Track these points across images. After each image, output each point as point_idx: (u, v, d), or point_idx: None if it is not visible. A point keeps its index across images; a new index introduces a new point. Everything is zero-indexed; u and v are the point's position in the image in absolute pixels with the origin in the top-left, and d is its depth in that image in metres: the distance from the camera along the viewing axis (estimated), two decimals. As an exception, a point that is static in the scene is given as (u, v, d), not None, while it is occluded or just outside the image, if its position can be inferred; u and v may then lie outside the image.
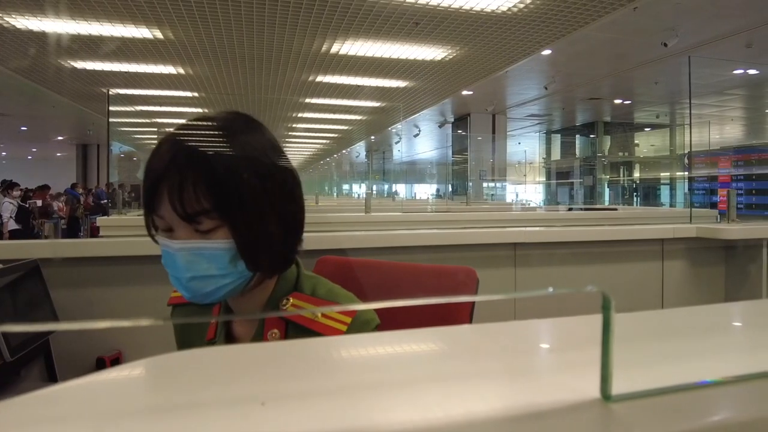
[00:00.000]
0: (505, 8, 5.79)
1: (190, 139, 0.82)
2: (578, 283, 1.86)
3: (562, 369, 0.44)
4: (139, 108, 11.30)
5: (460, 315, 1.30)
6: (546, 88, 9.29)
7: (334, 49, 7.30)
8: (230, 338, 0.91)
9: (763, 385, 0.39)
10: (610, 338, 0.38)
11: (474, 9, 5.80)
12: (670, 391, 0.37)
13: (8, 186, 10.21)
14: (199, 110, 12.09)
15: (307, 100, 11.02)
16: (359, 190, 20.31)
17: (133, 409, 0.35)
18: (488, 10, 5.82)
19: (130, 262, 1.81)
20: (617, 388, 0.36)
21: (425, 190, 19.55)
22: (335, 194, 18.52)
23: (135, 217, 3.68)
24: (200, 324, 0.94)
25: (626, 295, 2.54)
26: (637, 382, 0.38)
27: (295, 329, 0.83)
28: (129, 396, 0.38)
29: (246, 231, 0.79)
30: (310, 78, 8.99)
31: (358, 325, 0.83)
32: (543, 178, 16.27)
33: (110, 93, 5.80)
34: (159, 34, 6.77)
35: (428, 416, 0.33)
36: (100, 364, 1.80)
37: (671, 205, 11.46)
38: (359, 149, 19.29)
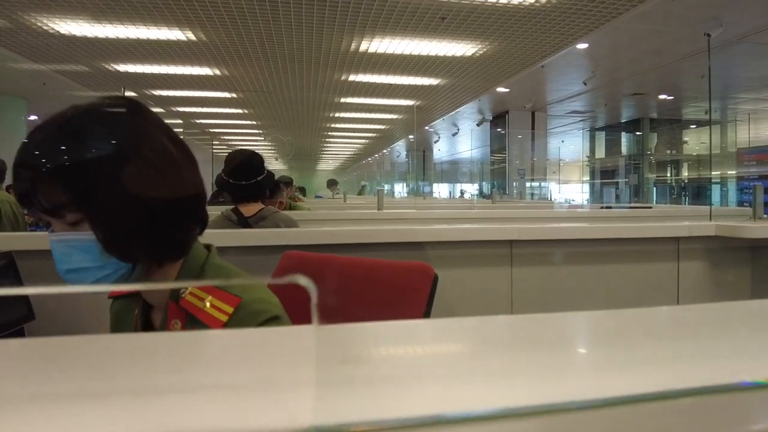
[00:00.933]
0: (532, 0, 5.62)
1: (48, 133, 0.78)
2: (581, 284, 1.77)
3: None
4: (177, 109, 11.63)
5: (413, 314, 1.24)
6: (585, 84, 8.98)
7: (364, 47, 7.28)
8: (150, 328, 0.91)
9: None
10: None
11: (500, 1, 5.65)
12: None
13: None
14: (237, 111, 12.34)
15: (343, 100, 11.06)
16: (401, 189, 20.30)
17: None
18: (515, 2, 5.65)
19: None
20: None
21: (465, 190, 19.33)
22: (374, 194, 18.56)
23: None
24: (130, 316, 0.94)
25: (638, 297, 2.39)
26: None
27: (192, 320, 0.82)
28: None
29: (106, 222, 0.77)
30: (343, 77, 9.01)
31: (243, 316, 0.80)
32: (587, 177, 15.79)
33: (130, 94, 5.94)
34: (192, 36, 6.93)
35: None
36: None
37: (722, 205, 10.90)
38: (400, 149, 19.26)
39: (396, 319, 1.18)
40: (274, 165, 21.01)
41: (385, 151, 20.40)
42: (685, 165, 13.47)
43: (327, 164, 28.71)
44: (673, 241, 2.44)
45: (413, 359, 0.41)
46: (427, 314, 1.22)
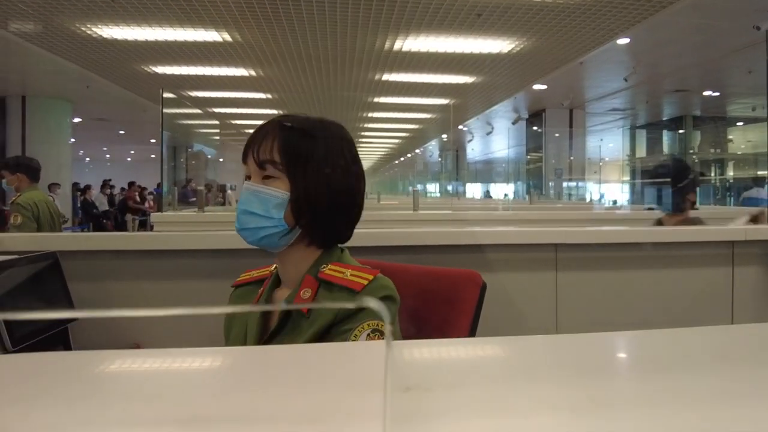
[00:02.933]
0: (572, -5, 5.48)
1: (283, 118, 1.04)
2: (628, 290, 1.68)
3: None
4: (214, 110, 11.81)
5: (459, 323, 1.20)
6: (626, 80, 8.73)
7: (398, 45, 7.24)
8: (270, 302, 1.06)
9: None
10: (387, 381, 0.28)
11: (539, -3, 5.54)
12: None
13: (104, 184, 11.55)
14: (273, 112, 12.47)
15: (376, 99, 11.05)
16: (433, 189, 20.19)
17: None
18: (554, -3, 5.53)
19: (151, 256, 1.81)
20: None
21: (500, 190, 19.10)
22: (407, 193, 18.53)
23: (181, 213, 3.78)
24: (250, 298, 1.09)
25: (689, 304, 2.27)
26: None
27: (326, 287, 0.97)
28: None
29: (301, 186, 0.98)
30: (377, 77, 8.98)
31: (374, 287, 0.96)
32: (627, 177, 15.39)
33: (167, 95, 6.05)
34: (228, 37, 7.01)
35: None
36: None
37: (771, 206, 10.43)
38: (432, 149, 19.15)
39: (443, 327, 1.13)
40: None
41: (417, 150, 20.33)
42: (731, 164, 12.99)
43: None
44: (728, 245, 2.31)
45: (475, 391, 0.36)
46: (474, 322, 1.18)
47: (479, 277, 1.19)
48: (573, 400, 0.33)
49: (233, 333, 1.06)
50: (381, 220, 3.60)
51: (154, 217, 3.35)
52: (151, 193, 13.59)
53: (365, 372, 0.40)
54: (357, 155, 1.08)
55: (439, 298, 1.23)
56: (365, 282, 0.95)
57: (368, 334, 0.90)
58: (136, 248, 1.80)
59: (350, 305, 0.95)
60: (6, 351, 1.41)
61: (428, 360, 0.41)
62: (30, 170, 3.38)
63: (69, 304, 1.72)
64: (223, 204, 9.81)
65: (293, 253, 1.02)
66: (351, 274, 0.96)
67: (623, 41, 6.94)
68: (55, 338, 1.68)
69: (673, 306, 2.25)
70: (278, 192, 0.97)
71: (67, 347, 1.75)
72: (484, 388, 0.36)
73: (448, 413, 0.33)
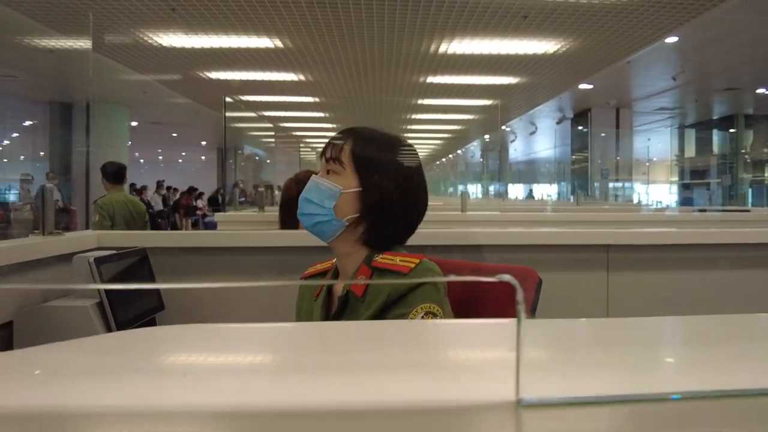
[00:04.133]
0: (620, -6, 5.46)
1: (359, 128, 1.17)
2: (679, 291, 1.75)
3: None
4: (265, 113, 12.12)
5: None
6: (674, 79, 8.57)
7: (443, 48, 7.32)
8: (330, 293, 1.16)
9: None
10: (520, 338, 0.39)
11: (586, -2, 5.53)
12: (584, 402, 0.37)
13: (158, 185, 12.13)
14: (319, 114, 12.71)
15: (420, 101, 11.13)
16: (475, 190, 20.08)
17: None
18: (601, -2, 5.52)
19: (229, 252, 1.98)
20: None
21: (543, 191, 18.86)
22: (449, 194, 18.51)
23: (243, 213, 3.98)
24: (316, 287, 1.22)
25: (742, 306, 2.30)
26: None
27: (378, 273, 1.08)
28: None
29: (355, 184, 1.09)
30: (421, 79, 9.08)
31: (420, 270, 1.05)
32: (675, 178, 14.98)
33: (227, 100, 6.32)
34: (279, 43, 7.24)
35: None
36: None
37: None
38: (474, 149, 19.08)
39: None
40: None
41: (459, 151, 20.28)
42: (787, 164, 12.51)
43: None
44: (784, 246, 2.32)
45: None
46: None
47: (535, 273, 1.23)
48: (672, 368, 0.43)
49: (301, 320, 1.20)
50: (430, 221, 3.70)
51: (218, 216, 3.55)
52: (201, 194, 14.09)
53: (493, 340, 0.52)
54: (418, 168, 1.17)
55: (497, 293, 1.27)
56: (412, 265, 1.04)
57: (422, 317, 0.98)
58: (216, 245, 1.97)
59: (401, 282, 1.05)
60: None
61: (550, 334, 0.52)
62: (106, 174, 3.69)
63: (158, 297, 1.90)
64: (272, 204, 10.07)
65: (347, 247, 1.12)
66: (400, 260, 1.06)
67: (671, 40, 6.83)
68: (149, 323, 1.85)
69: (725, 306, 2.28)
70: (333, 185, 1.09)
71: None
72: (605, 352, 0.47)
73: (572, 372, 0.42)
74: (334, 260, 1.20)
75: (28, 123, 12.10)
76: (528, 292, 1.26)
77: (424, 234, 2.06)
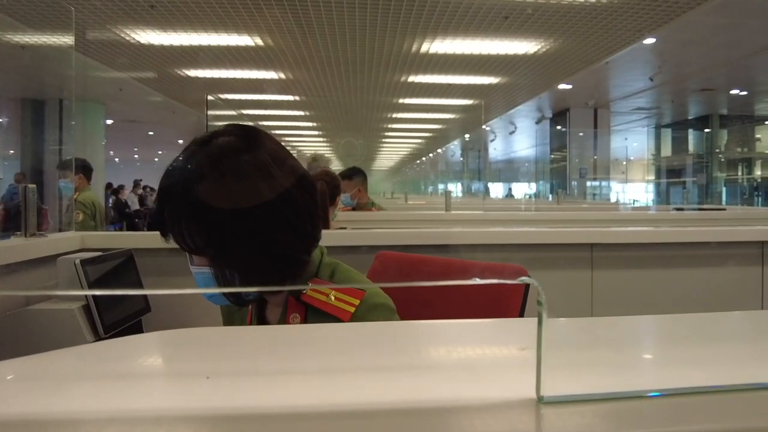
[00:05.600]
0: (600, -4, 5.53)
1: (172, 179, 0.88)
2: (663, 288, 1.77)
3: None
4: (245, 112, 12.01)
5: (509, 313, 1.29)
6: (651, 80, 8.72)
7: (424, 48, 7.34)
8: (263, 322, 0.99)
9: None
10: (541, 337, 0.39)
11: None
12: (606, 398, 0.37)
13: (135, 184, 12.03)
14: (301, 113, 12.64)
15: (401, 101, 11.15)
16: (455, 189, 20.19)
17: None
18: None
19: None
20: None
21: (523, 190, 19.05)
22: (429, 193, 18.59)
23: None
24: (242, 312, 1.05)
25: (721, 301, 2.35)
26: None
27: (314, 313, 0.89)
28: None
29: (231, 266, 0.87)
30: (402, 78, 9.09)
31: (366, 308, 0.88)
32: (652, 177, 15.24)
33: (209, 98, 6.26)
34: (260, 41, 7.18)
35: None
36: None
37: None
38: (454, 148, 19.17)
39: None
40: (333, 166, 21.31)
41: (439, 150, 20.36)
42: (758, 163, 12.81)
43: (381, 164, 28.90)
44: (758, 245, 2.39)
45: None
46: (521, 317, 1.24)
47: (525, 271, 1.23)
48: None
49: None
50: (413, 220, 3.71)
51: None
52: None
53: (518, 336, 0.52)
54: (289, 161, 0.92)
55: (486, 291, 1.26)
56: (352, 309, 0.87)
57: None
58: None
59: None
60: (99, 337, 1.57)
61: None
62: (87, 171, 3.61)
63: (144, 299, 1.87)
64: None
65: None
66: (336, 299, 0.88)
67: (649, 41, 6.94)
68: (132, 330, 1.83)
69: (706, 302, 2.34)
70: (203, 269, 0.88)
71: (141, 336, 1.89)
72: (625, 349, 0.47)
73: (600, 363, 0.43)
74: None
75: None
76: (517, 290, 1.27)
77: (408, 234, 2.07)
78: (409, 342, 0.53)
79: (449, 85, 9.53)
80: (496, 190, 21.57)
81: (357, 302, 0.88)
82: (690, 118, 12.91)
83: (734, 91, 10.43)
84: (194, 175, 0.85)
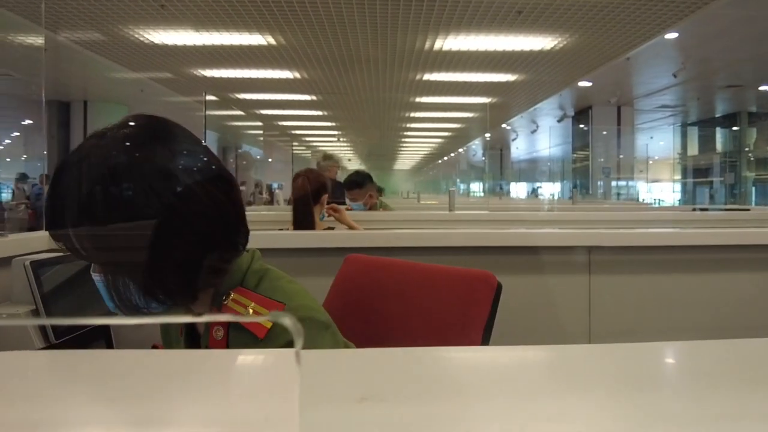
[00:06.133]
0: (617, -12, 5.35)
1: (62, 176, 0.78)
2: (667, 295, 1.62)
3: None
4: (260, 112, 12.07)
5: (472, 325, 1.18)
6: (675, 76, 8.44)
7: (438, 45, 7.23)
8: (195, 333, 0.90)
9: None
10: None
11: (581, -8, 5.43)
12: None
13: None
14: (316, 113, 12.64)
15: (418, 99, 11.05)
16: (477, 188, 20.02)
17: None
18: (597, -8, 5.41)
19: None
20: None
21: (547, 190, 18.76)
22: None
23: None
24: (175, 325, 0.97)
25: (731, 311, 2.19)
26: None
27: (234, 327, 0.80)
28: None
29: (141, 273, 0.76)
30: (418, 77, 8.99)
31: (278, 333, 0.77)
32: (678, 176, 14.84)
33: (207, 98, 6.27)
34: (272, 40, 7.16)
35: None
36: (153, 352, 1.90)
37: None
38: (476, 148, 18.99)
39: (454, 330, 1.10)
40: (350, 165, 21.37)
41: (461, 149, 20.20)
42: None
43: (403, 164, 28.83)
44: (772, 248, 2.21)
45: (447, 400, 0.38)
46: (489, 326, 1.13)
47: (493, 277, 1.13)
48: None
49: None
50: (415, 220, 3.61)
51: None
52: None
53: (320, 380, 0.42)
54: (197, 149, 0.85)
55: (451, 298, 1.19)
56: (269, 325, 0.76)
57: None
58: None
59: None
60: (50, 343, 1.50)
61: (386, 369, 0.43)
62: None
63: (110, 301, 1.79)
64: (271, 203, 10.09)
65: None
66: (254, 312, 0.80)
67: (671, 36, 6.71)
68: (96, 331, 1.75)
69: (715, 313, 2.18)
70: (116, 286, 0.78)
71: (108, 342, 1.83)
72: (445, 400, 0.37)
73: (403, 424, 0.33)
74: None
75: (27, 122, 12.11)
76: (484, 298, 1.17)
77: (405, 235, 1.97)
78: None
79: (466, 83, 9.40)
80: (519, 190, 21.27)
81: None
82: (717, 116, 12.52)
83: (763, 87, 10.06)
84: (85, 171, 0.76)
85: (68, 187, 0.77)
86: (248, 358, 0.56)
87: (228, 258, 0.84)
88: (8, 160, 13.97)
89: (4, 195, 9.54)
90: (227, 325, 0.81)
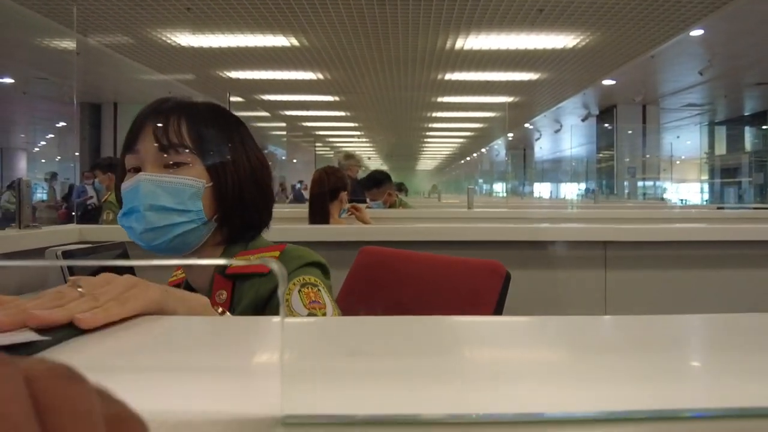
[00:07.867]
0: (640, -15, 5.30)
1: (178, 100, 0.93)
2: (682, 290, 1.63)
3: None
4: (283, 113, 12.19)
5: (483, 313, 1.22)
6: (701, 74, 8.29)
7: (459, 44, 7.24)
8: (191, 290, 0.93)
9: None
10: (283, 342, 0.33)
11: (603, -10, 5.39)
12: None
13: None
14: (339, 113, 12.73)
15: (440, 99, 11.05)
16: (500, 189, 19.87)
17: None
18: (620, -11, 5.36)
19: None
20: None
21: (572, 190, 18.54)
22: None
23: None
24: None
25: (749, 308, 2.18)
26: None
27: (240, 281, 0.85)
28: None
29: (219, 172, 0.87)
30: (440, 76, 9.00)
31: (288, 259, 0.87)
32: (706, 176, 14.53)
33: (231, 99, 6.38)
34: (295, 42, 7.26)
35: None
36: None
37: None
38: (498, 147, 18.87)
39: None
40: (372, 165, 21.43)
41: (483, 149, 20.09)
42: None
43: (426, 164, 28.80)
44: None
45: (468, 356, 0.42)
46: (498, 313, 1.17)
47: (502, 267, 1.15)
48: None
49: None
50: (434, 218, 3.64)
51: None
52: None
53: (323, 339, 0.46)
54: (253, 139, 0.98)
55: (461, 287, 1.22)
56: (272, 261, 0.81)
57: (299, 290, 0.82)
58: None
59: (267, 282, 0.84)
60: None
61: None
62: (116, 170, 3.67)
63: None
64: (295, 201, 10.31)
65: (201, 254, 0.89)
66: (258, 258, 0.83)
67: (696, 32, 6.61)
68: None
69: (733, 309, 2.16)
70: (193, 180, 0.84)
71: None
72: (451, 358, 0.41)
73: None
74: (180, 272, 0.98)
75: (61, 124, 12.45)
76: (493, 286, 1.20)
77: (420, 230, 2.01)
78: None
79: (488, 82, 9.38)
80: (543, 190, 21.05)
81: (277, 254, 0.88)
82: (746, 114, 12.22)
83: (794, 84, 9.80)
84: (196, 103, 0.93)
85: (186, 102, 0.92)
86: (240, 318, 0.60)
87: (266, 220, 0.95)
88: (43, 161, 14.38)
89: (39, 195, 9.84)
90: (231, 286, 0.85)
